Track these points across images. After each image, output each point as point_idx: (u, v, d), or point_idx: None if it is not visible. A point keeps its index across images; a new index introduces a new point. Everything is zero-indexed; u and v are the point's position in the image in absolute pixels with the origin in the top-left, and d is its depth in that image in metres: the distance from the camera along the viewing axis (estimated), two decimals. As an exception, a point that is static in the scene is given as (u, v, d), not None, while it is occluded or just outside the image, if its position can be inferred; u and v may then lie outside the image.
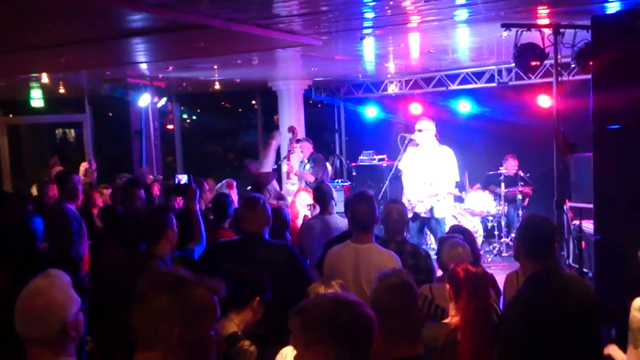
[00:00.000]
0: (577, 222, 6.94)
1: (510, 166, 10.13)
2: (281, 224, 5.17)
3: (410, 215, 7.49)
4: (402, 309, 2.67)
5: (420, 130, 7.72)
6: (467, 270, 3.22)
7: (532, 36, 6.24)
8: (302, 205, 7.95)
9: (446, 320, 3.28)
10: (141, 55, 8.11)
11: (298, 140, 9.08)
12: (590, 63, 5.33)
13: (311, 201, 7.78)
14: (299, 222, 7.14)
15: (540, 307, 3.14)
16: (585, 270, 7.20)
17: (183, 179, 4.97)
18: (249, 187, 7.27)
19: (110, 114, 14.56)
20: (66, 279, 2.57)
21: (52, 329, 2.41)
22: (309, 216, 7.26)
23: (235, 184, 7.20)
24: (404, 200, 7.68)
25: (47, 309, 2.41)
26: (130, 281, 3.59)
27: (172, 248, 4.00)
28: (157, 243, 3.91)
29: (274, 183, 6.96)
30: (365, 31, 7.13)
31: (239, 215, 5.05)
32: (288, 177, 8.79)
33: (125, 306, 3.55)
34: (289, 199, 7.72)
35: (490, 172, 10.26)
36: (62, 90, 11.67)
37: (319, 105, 13.73)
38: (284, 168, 8.77)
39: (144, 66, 9.31)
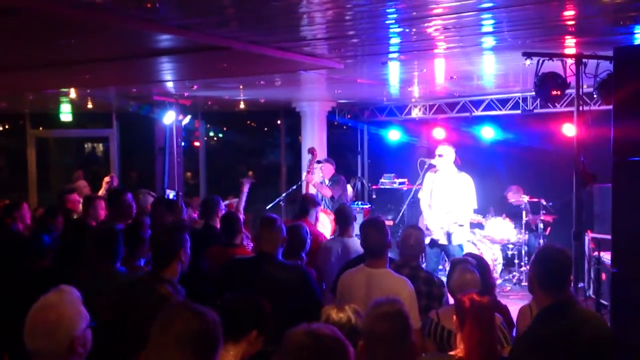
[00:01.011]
0: (596, 254, 6.84)
1: (513, 196, 10.09)
2: (298, 243, 5.14)
3: (427, 241, 7.47)
4: (393, 338, 2.65)
5: (440, 156, 7.69)
6: (472, 299, 3.19)
7: (554, 65, 6.22)
8: (319, 227, 7.93)
9: (452, 353, 3.25)
10: (166, 74, 8.25)
11: (319, 162, 9.07)
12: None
13: (328, 223, 7.75)
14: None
15: (553, 342, 3.08)
16: (604, 302, 7.08)
17: (171, 194, 4.97)
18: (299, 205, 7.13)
19: (137, 130, 14.77)
20: (76, 295, 2.61)
21: (61, 343, 2.45)
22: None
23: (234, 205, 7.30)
24: (421, 225, 7.65)
25: (57, 323, 2.45)
26: (136, 304, 3.59)
27: (183, 269, 3.83)
28: (167, 266, 3.72)
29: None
30: (390, 56, 7.17)
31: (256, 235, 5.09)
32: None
33: (129, 329, 3.50)
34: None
35: (512, 200, 10.17)
36: (90, 106, 11.88)
37: (344, 127, 13.78)
38: (304, 187, 8.76)
39: (169, 84, 9.46)
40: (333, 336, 2.07)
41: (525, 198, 9.84)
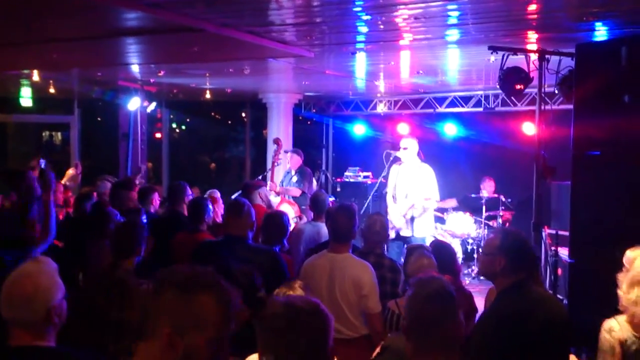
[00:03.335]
0: (553, 248, 7.02)
1: (487, 187, 10.28)
2: (278, 230, 5.10)
3: (392, 235, 7.53)
4: (443, 318, 2.50)
5: (405, 149, 7.82)
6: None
7: (518, 61, 6.36)
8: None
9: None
10: (134, 57, 8.12)
11: (286, 151, 9.10)
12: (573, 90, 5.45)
13: (294, 214, 7.79)
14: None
15: (510, 320, 3.19)
16: (559, 296, 7.26)
17: (42, 164, 4.91)
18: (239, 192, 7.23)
19: (98, 118, 14.55)
20: (53, 266, 2.63)
21: (37, 312, 2.47)
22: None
23: (218, 195, 7.24)
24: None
25: (34, 292, 2.48)
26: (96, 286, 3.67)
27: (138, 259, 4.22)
28: (127, 258, 4.13)
29: (266, 189, 6.95)
30: (358, 45, 7.22)
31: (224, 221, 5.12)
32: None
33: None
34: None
35: (472, 195, 10.36)
36: (52, 90, 11.65)
37: (309, 122, 13.82)
38: (269, 178, 8.77)
39: (135, 69, 9.32)
40: (309, 309, 2.13)
41: (485, 193, 10.04)
